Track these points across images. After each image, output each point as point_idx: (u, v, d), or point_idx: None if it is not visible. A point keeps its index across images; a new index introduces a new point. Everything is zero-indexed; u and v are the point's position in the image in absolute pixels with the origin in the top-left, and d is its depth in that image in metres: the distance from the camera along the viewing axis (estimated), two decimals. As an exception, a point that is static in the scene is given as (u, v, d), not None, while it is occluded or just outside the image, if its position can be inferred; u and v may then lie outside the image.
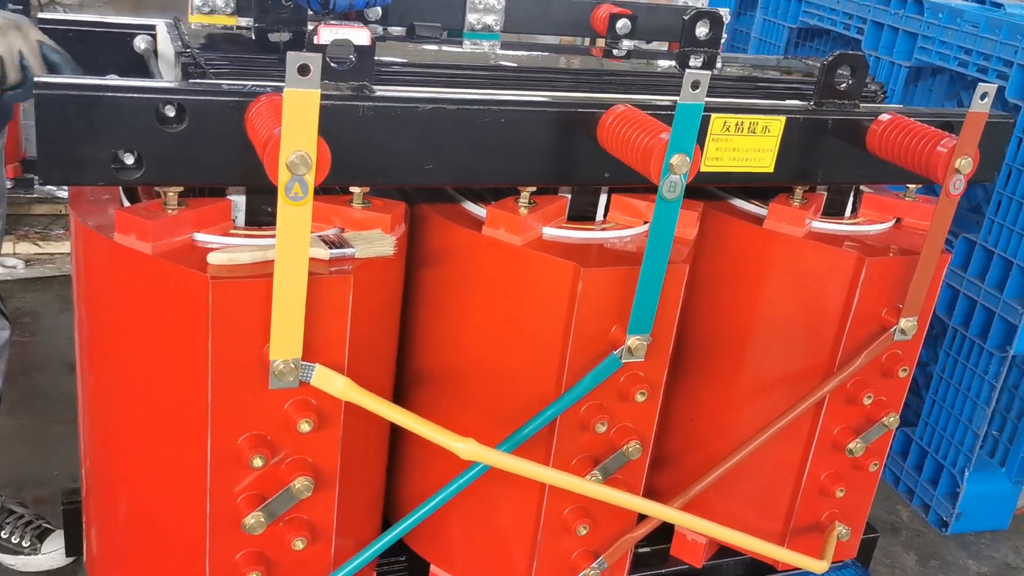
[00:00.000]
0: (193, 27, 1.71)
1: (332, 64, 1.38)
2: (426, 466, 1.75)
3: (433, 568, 1.81)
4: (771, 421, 1.71)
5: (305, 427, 1.36)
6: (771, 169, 1.67)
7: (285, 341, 1.29)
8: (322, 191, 1.48)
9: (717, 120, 1.59)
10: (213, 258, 1.32)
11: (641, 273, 1.46)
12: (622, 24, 2.06)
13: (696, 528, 1.65)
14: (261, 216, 1.45)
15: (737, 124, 1.61)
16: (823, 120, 1.67)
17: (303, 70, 1.16)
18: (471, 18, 2.01)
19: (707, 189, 1.87)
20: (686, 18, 2.03)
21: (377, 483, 1.66)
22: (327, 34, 1.37)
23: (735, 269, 1.79)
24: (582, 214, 1.66)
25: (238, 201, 1.44)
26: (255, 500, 1.40)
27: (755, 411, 1.80)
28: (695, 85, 1.36)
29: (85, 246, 1.40)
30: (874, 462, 1.83)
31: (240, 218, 1.45)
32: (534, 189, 1.57)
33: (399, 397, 1.76)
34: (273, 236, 1.38)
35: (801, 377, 1.76)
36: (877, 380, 1.78)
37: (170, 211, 1.36)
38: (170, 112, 1.29)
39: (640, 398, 1.57)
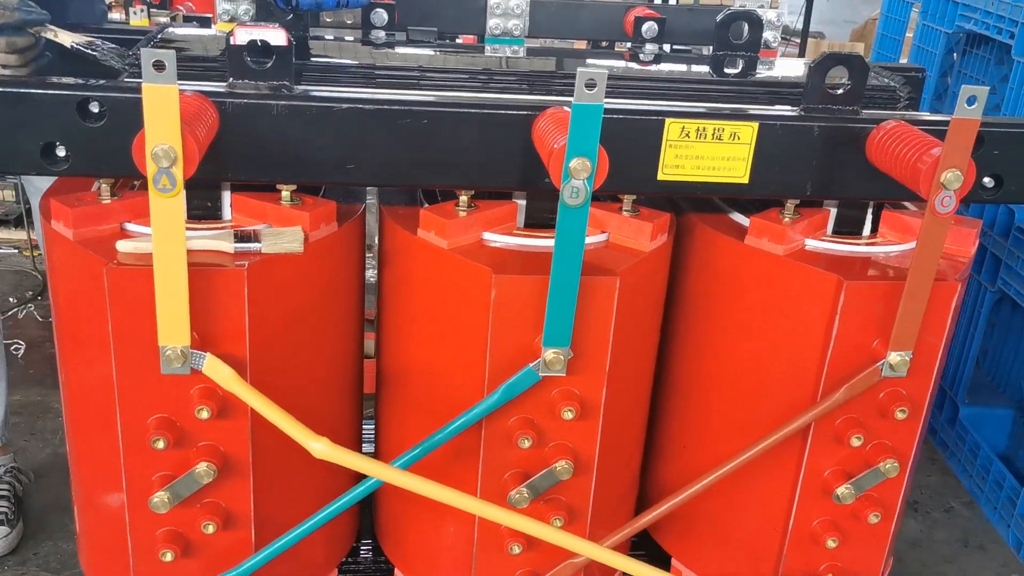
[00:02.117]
0: (200, 33, 1.83)
1: (251, 64, 1.42)
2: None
3: (396, 571, 1.81)
4: (731, 457, 1.57)
5: (204, 414, 1.41)
6: (745, 180, 1.53)
7: (171, 328, 1.34)
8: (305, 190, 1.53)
9: (674, 125, 1.48)
10: (121, 246, 1.39)
11: (550, 282, 1.39)
12: (648, 27, 1.97)
13: (617, 566, 1.54)
14: (199, 210, 1.52)
15: (699, 130, 1.49)
16: (807, 127, 1.51)
17: (158, 66, 1.20)
18: (491, 23, 2.00)
19: (712, 201, 1.75)
20: (718, 19, 1.92)
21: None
22: (243, 34, 1.42)
23: (716, 287, 1.66)
24: (541, 221, 1.60)
25: (178, 195, 1.52)
26: (166, 480, 1.46)
27: (737, 445, 1.65)
28: (590, 85, 1.28)
29: (43, 230, 1.53)
30: (874, 513, 1.62)
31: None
32: (472, 193, 1.54)
33: (377, 396, 1.78)
34: (201, 229, 1.46)
35: (784, 411, 1.59)
36: (873, 421, 1.59)
37: (103, 201, 1.46)
38: (94, 108, 1.38)
39: (568, 415, 1.49)
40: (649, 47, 1.96)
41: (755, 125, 1.50)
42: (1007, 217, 2.74)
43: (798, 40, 8.95)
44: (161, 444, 1.42)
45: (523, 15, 1.99)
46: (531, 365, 1.45)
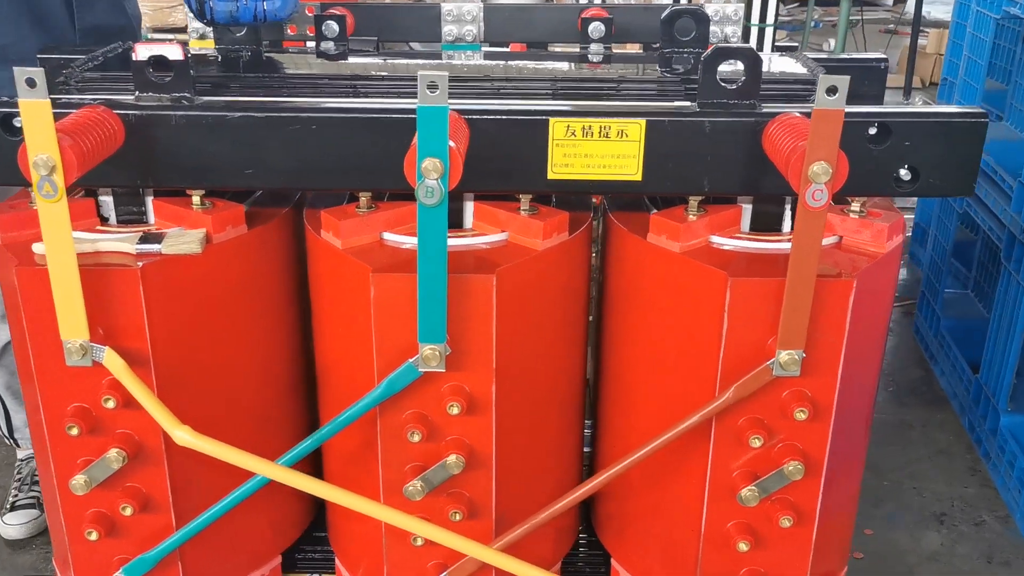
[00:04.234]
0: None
1: (153, 78, 1.53)
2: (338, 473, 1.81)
3: (336, 560, 1.88)
4: (624, 456, 1.56)
5: (110, 403, 1.52)
6: (638, 177, 1.52)
7: (70, 323, 1.46)
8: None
9: (558, 124, 1.49)
10: (36, 248, 1.52)
11: (418, 279, 1.43)
12: (594, 27, 1.98)
13: (501, 565, 1.56)
14: (126, 215, 1.64)
15: (584, 128, 1.50)
16: (698, 123, 1.49)
17: (30, 83, 1.32)
18: (446, 30, 2.04)
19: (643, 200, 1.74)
20: (663, 17, 1.91)
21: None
22: (144, 51, 1.52)
23: (626, 284, 1.66)
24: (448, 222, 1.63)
25: (107, 201, 1.64)
26: (86, 465, 1.58)
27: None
28: (432, 87, 1.31)
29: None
30: (785, 517, 1.58)
31: (113, 217, 1.65)
32: (371, 195, 1.59)
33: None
34: (112, 232, 1.57)
35: (689, 410, 1.57)
36: (777, 421, 1.55)
37: (32, 207, 1.59)
38: (17, 124, 1.51)
39: (454, 410, 1.52)
40: (594, 47, 1.97)
41: (642, 122, 1.49)
42: (1041, 213, 2.59)
43: (925, 30, 8.52)
44: (75, 431, 1.54)
45: (476, 20, 2.03)
46: (411, 361, 1.49)
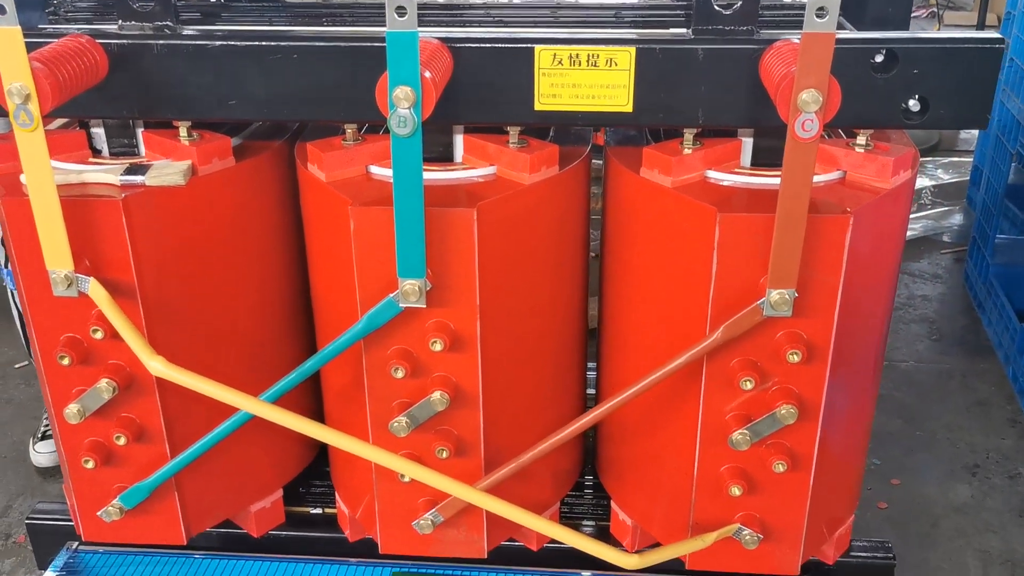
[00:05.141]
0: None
1: (135, 7, 1.51)
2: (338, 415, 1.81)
3: (336, 495, 1.89)
4: (609, 398, 1.53)
5: (98, 334, 1.53)
6: (629, 108, 1.46)
7: (54, 254, 1.46)
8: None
9: (544, 52, 1.44)
10: (23, 179, 1.52)
11: (395, 213, 1.40)
12: (599, -46, 1.89)
13: (478, 503, 1.55)
14: (118, 148, 1.63)
15: (572, 56, 1.44)
16: (690, 51, 1.42)
17: (0, 10, 1.31)
18: (449, -41, 1.98)
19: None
20: (674, -59, 1.83)
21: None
22: (124, -21, 1.50)
23: (623, 220, 1.60)
24: (436, 155, 1.60)
25: (99, 133, 1.64)
26: (78, 395, 1.60)
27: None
28: (401, 11, 1.27)
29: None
30: (779, 461, 1.53)
31: (106, 149, 1.65)
32: (356, 126, 1.56)
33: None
34: (113, 164, 1.58)
35: (678, 351, 1.53)
36: (771, 363, 1.49)
37: (18, 139, 1.60)
38: (8, 54, 1.51)
39: (437, 347, 1.50)
40: (601, -25, 1.89)
41: (632, 50, 1.42)
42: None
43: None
44: (66, 361, 1.56)
45: (481, -51, 1.96)
46: (391, 296, 1.47)
